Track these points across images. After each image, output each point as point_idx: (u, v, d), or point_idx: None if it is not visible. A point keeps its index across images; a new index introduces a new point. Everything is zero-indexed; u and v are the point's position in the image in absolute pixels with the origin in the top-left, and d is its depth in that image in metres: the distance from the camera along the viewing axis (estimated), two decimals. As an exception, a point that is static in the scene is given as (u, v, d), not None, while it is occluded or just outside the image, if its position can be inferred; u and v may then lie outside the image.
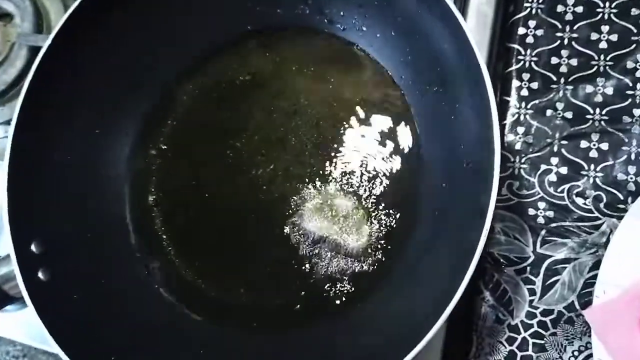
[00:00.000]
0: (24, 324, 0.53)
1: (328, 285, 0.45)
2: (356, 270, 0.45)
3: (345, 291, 0.45)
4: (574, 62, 0.49)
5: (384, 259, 0.44)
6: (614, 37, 0.49)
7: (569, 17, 0.50)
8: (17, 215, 0.42)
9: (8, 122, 0.56)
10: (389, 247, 0.44)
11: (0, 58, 0.58)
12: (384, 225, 0.45)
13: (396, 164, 0.46)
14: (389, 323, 0.40)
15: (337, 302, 0.45)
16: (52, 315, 0.41)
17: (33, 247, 0.43)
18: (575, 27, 0.49)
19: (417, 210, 0.44)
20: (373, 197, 0.46)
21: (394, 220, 0.45)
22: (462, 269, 0.33)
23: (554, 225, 0.47)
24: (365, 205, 0.46)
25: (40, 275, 0.42)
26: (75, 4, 0.43)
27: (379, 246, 0.45)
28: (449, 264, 0.36)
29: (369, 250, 0.45)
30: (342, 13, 0.47)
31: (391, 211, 0.45)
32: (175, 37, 0.49)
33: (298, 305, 0.46)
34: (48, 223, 0.44)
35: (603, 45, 0.49)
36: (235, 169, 0.49)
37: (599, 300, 0.43)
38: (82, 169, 0.47)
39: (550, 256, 0.47)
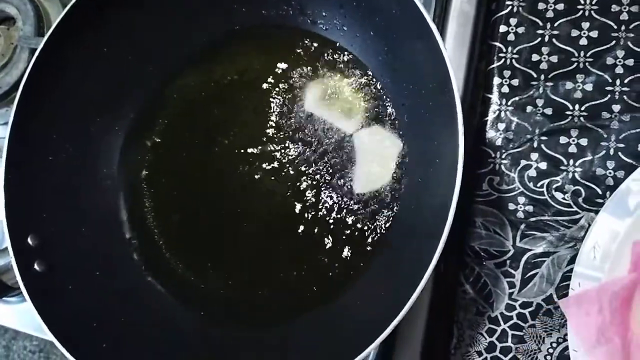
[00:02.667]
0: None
1: (313, 277, 0.47)
2: (337, 263, 0.46)
3: (327, 282, 0.46)
4: (554, 58, 0.50)
5: (362, 251, 0.45)
6: (594, 34, 0.49)
7: (549, 14, 0.51)
8: (14, 210, 0.45)
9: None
10: (370, 239, 0.45)
11: (4, 61, 0.61)
12: (366, 220, 0.46)
13: (380, 159, 0.47)
14: (365, 311, 0.42)
15: (319, 294, 0.46)
16: (48, 305, 0.43)
17: (29, 240, 0.45)
18: (555, 24, 0.50)
19: (398, 204, 0.46)
20: (357, 195, 0.47)
21: (377, 215, 0.46)
22: (427, 262, 0.34)
23: (533, 219, 0.48)
24: (351, 202, 0.47)
25: (36, 267, 0.45)
26: (68, 7, 0.45)
27: (360, 238, 0.46)
28: (417, 257, 0.37)
29: (350, 242, 0.46)
30: (324, 13, 0.48)
31: (375, 206, 0.46)
32: (164, 37, 0.50)
33: (285, 298, 0.48)
34: (44, 217, 0.46)
35: (583, 42, 0.49)
36: (223, 165, 0.50)
37: (574, 292, 0.44)
38: (76, 166, 0.49)
39: (530, 250, 0.48)
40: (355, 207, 0.46)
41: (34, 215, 0.46)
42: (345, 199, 0.47)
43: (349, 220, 0.46)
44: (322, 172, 0.48)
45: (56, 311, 0.43)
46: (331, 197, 0.47)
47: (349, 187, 0.47)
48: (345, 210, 0.47)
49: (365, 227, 0.46)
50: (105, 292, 0.47)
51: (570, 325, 0.43)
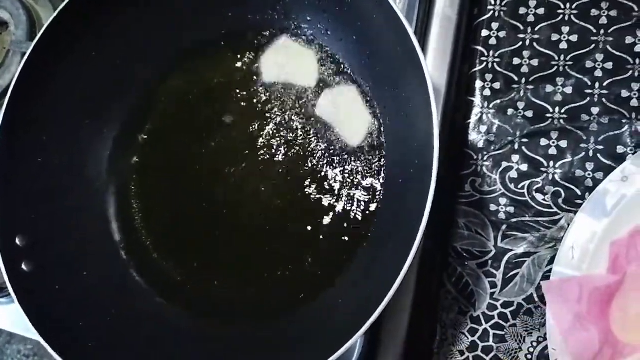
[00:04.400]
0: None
1: (298, 275, 0.48)
2: (321, 260, 0.47)
3: (312, 280, 0.47)
4: (534, 62, 0.51)
5: (344, 248, 0.46)
6: (574, 38, 0.50)
7: (530, 18, 0.51)
8: (3, 211, 0.46)
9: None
10: (357, 232, 0.46)
11: (-3, 64, 0.62)
12: (351, 213, 0.47)
13: (363, 159, 0.48)
14: (349, 306, 0.43)
15: (304, 292, 0.47)
16: (34, 305, 0.44)
17: (17, 241, 0.46)
18: (536, 29, 0.51)
19: (379, 204, 0.46)
20: (346, 189, 0.47)
21: (362, 214, 0.47)
22: (404, 258, 0.35)
23: (514, 220, 0.49)
24: (337, 200, 0.48)
25: (23, 266, 0.45)
26: (56, 12, 0.46)
27: (347, 231, 0.47)
28: (396, 254, 0.38)
29: (337, 236, 0.47)
30: (308, 18, 0.49)
31: (361, 205, 0.47)
32: (152, 41, 0.51)
33: (271, 297, 0.48)
34: (32, 218, 0.47)
35: (563, 45, 0.50)
36: (211, 166, 0.51)
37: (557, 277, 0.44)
38: (65, 168, 0.50)
39: (511, 250, 0.49)
40: (338, 198, 0.47)
41: (23, 216, 0.47)
42: (328, 196, 0.47)
43: (332, 218, 0.47)
44: (310, 171, 0.49)
45: (43, 311, 0.44)
46: (316, 192, 0.48)
47: (334, 181, 0.47)
48: (329, 205, 0.47)
49: (348, 223, 0.47)
50: (93, 292, 0.48)
51: (549, 307, 0.43)
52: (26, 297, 0.44)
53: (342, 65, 0.49)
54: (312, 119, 0.50)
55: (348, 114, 0.49)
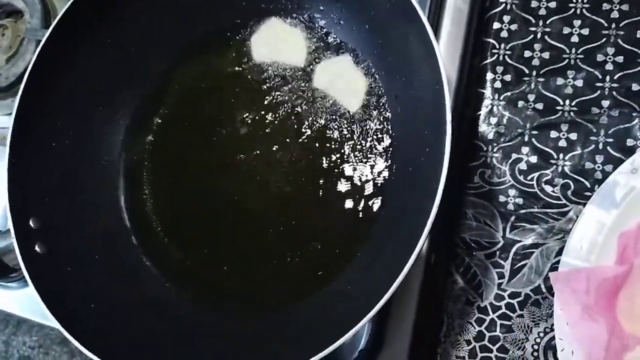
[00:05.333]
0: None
1: (307, 262, 0.48)
2: (329, 248, 0.47)
3: (320, 268, 0.47)
4: (545, 55, 0.51)
5: (353, 236, 0.47)
6: (585, 31, 0.50)
7: (542, 12, 0.52)
8: (17, 194, 0.46)
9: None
10: (366, 219, 0.47)
11: (10, 52, 0.63)
12: (360, 201, 0.47)
13: (372, 148, 0.48)
14: (357, 294, 0.43)
15: (313, 279, 0.47)
16: (48, 287, 0.44)
17: (31, 223, 0.46)
18: (548, 22, 0.51)
19: (388, 192, 0.47)
20: (357, 179, 0.48)
21: (372, 202, 0.47)
22: (412, 247, 0.35)
23: (523, 211, 0.49)
24: (347, 185, 0.48)
25: (37, 249, 0.46)
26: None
27: (357, 218, 0.47)
28: (405, 242, 0.38)
29: (346, 223, 0.47)
30: (321, 7, 0.50)
31: (370, 193, 0.47)
32: (167, 29, 0.52)
33: (279, 284, 0.49)
34: (46, 201, 0.48)
35: (574, 39, 0.50)
36: (222, 154, 0.52)
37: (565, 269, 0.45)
38: (78, 153, 0.50)
39: (519, 241, 0.49)
40: (347, 185, 0.47)
41: (36, 199, 0.47)
42: (338, 181, 0.48)
43: (342, 204, 0.47)
44: (320, 158, 0.49)
45: (56, 292, 0.45)
46: (326, 178, 0.48)
47: (340, 168, 0.48)
48: (336, 191, 0.47)
49: (357, 211, 0.47)
50: (104, 275, 0.49)
51: (556, 297, 0.44)
52: (39, 277, 0.44)
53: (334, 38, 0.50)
54: (315, 97, 0.50)
55: (345, 82, 0.49)
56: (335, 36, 0.50)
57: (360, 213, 0.47)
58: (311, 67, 0.51)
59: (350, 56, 0.50)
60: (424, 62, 0.39)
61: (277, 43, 0.52)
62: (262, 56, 0.52)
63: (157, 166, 0.53)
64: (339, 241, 0.47)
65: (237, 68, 0.52)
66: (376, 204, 0.46)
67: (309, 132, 0.50)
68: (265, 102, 0.51)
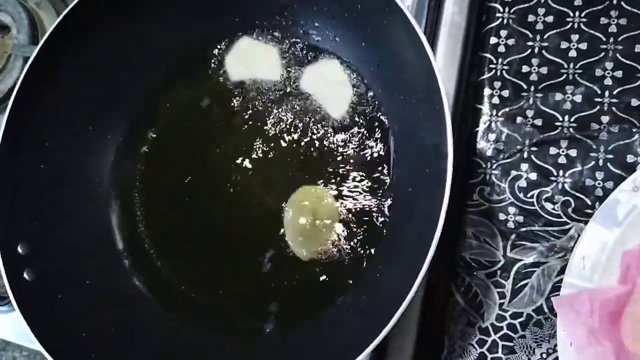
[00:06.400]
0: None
1: (305, 286, 0.47)
2: (328, 272, 0.46)
3: (319, 291, 0.46)
4: (543, 70, 0.50)
5: (354, 260, 0.45)
6: (583, 46, 0.50)
7: (539, 26, 0.51)
8: (4, 218, 0.45)
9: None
10: (366, 243, 0.46)
11: (-2, 69, 0.61)
12: (361, 225, 0.46)
13: (370, 166, 0.47)
14: (356, 320, 0.42)
15: (311, 303, 0.46)
16: (36, 314, 0.43)
17: (19, 249, 0.45)
18: (545, 36, 0.51)
19: (388, 215, 0.46)
20: (355, 201, 0.47)
21: (370, 225, 0.46)
22: (416, 271, 0.34)
23: (523, 229, 0.48)
24: (347, 210, 0.47)
25: (25, 275, 0.45)
26: (61, 16, 0.46)
27: (356, 241, 0.46)
28: (406, 269, 0.37)
29: (345, 246, 0.46)
30: (316, 24, 0.49)
31: (368, 217, 0.46)
32: (157, 47, 0.51)
33: (277, 309, 0.47)
34: (34, 226, 0.46)
35: (572, 53, 0.50)
36: (216, 174, 0.51)
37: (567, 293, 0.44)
38: (68, 175, 0.49)
39: (520, 260, 0.48)
40: (345, 208, 0.46)
41: (25, 224, 0.46)
42: (337, 203, 0.47)
43: (341, 227, 0.46)
44: (318, 179, 0.48)
45: (45, 320, 0.43)
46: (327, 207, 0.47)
47: (339, 190, 0.47)
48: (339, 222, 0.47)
49: (357, 237, 0.46)
50: (96, 301, 0.47)
51: (561, 323, 0.43)
52: (28, 306, 0.43)
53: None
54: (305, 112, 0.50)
55: (331, 87, 0.49)
56: (331, 52, 0.49)
57: (359, 238, 0.46)
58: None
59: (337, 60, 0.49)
60: (422, 79, 0.39)
61: (252, 60, 0.51)
62: (240, 75, 0.51)
63: (149, 187, 0.52)
64: (337, 265, 0.46)
65: (230, 86, 0.51)
66: (375, 227, 0.45)
67: (306, 151, 0.49)
68: (264, 120, 0.50)
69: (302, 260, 0.47)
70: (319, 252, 0.46)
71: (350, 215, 0.46)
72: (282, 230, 0.48)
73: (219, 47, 0.52)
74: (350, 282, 0.45)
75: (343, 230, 0.46)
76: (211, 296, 0.49)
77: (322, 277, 0.46)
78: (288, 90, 0.50)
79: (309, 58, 0.50)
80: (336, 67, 0.49)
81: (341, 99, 0.49)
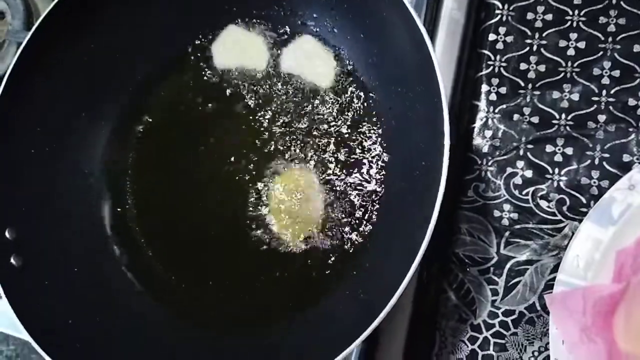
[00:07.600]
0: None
1: (296, 280, 0.46)
2: (319, 266, 0.46)
3: (310, 285, 0.46)
4: (541, 68, 0.50)
5: (344, 254, 0.45)
6: (581, 45, 0.50)
7: (538, 24, 0.51)
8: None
9: None
10: (358, 236, 0.45)
11: (-9, 54, 0.60)
12: (353, 216, 0.46)
13: (366, 162, 0.47)
14: (347, 314, 0.41)
15: (302, 297, 0.46)
16: (23, 302, 0.42)
17: (7, 234, 0.44)
18: (544, 34, 0.51)
19: (383, 207, 0.45)
20: (350, 195, 0.46)
21: (365, 219, 0.46)
22: (408, 265, 0.34)
23: (517, 227, 0.48)
24: (338, 202, 0.46)
25: (12, 261, 0.44)
26: (55, 1, 0.45)
27: (343, 243, 0.46)
28: (399, 261, 0.37)
29: (337, 239, 0.46)
30: (314, 15, 0.48)
31: (363, 210, 0.46)
32: (151, 35, 0.50)
33: (267, 303, 0.47)
34: (22, 211, 0.46)
35: (571, 52, 0.50)
36: (208, 165, 0.50)
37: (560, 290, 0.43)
38: (58, 162, 0.48)
39: (513, 257, 0.48)
40: (340, 202, 0.46)
41: (13, 209, 0.45)
42: (328, 196, 0.46)
43: (332, 220, 0.46)
44: (312, 173, 0.47)
45: (32, 308, 0.42)
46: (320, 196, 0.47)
47: (333, 184, 0.46)
48: (328, 207, 0.46)
49: (348, 230, 0.46)
50: (83, 289, 0.46)
51: (553, 320, 0.42)
52: (14, 292, 0.42)
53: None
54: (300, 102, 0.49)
55: (313, 62, 0.49)
56: (329, 43, 0.49)
57: (353, 232, 0.45)
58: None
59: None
60: (420, 73, 0.38)
61: (240, 49, 0.51)
62: (229, 63, 0.51)
63: (141, 176, 0.51)
64: (330, 259, 0.45)
65: (225, 75, 0.51)
66: (370, 221, 0.45)
67: (297, 136, 0.48)
68: (257, 111, 0.50)
69: (295, 252, 0.46)
70: (307, 237, 0.46)
71: (340, 206, 0.46)
72: (273, 219, 0.47)
73: (211, 37, 0.51)
74: (341, 274, 0.44)
75: (333, 220, 0.46)
76: (201, 287, 0.48)
77: (314, 270, 0.45)
78: (273, 73, 0.50)
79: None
80: (313, 42, 0.49)
81: (327, 68, 0.48)
